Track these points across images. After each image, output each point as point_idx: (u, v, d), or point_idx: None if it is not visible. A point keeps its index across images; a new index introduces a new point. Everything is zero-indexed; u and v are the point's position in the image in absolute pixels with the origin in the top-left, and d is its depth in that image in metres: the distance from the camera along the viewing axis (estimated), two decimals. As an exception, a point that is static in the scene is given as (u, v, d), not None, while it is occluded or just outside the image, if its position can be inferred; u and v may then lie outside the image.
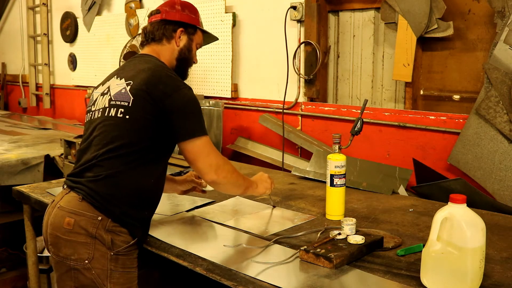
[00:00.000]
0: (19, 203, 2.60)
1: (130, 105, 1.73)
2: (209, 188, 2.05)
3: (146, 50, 1.94)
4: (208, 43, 2.13)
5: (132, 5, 4.47)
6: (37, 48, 5.83)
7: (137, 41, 3.71)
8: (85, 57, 5.12)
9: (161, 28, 1.92)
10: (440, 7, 2.61)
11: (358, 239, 1.66)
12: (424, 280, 1.45)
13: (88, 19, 4.96)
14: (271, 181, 2.07)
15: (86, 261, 1.67)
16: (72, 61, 5.30)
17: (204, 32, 2.04)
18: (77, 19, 5.14)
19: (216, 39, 2.11)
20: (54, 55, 5.65)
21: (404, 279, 1.49)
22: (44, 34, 5.55)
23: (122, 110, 1.74)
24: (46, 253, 3.11)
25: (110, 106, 1.78)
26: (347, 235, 1.69)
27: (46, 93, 5.62)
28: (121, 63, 3.66)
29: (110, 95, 1.82)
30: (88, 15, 4.94)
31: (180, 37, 1.93)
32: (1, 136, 4.06)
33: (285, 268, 1.59)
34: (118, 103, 1.76)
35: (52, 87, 5.69)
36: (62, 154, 3.20)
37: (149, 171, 1.76)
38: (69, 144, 3.08)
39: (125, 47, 3.65)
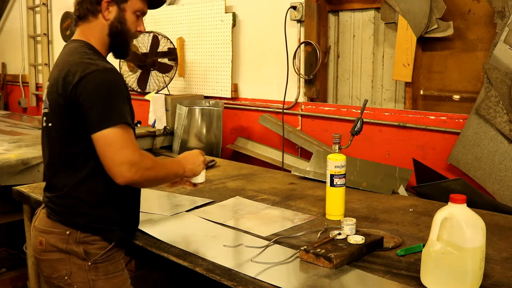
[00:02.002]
0: (19, 203, 2.60)
1: (49, 111, 1.62)
2: (199, 180, 1.89)
3: (75, 34, 1.71)
4: (157, 7, 1.80)
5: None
6: (37, 48, 5.83)
7: (137, 41, 3.71)
8: (85, 57, 5.12)
9: (83, 2, 1.64)
10: (440, 7, 2.61)
11: (358, 239, 1.66)
12: (424, 280, 1.45)
13: (88, 19, 4.95)
14: (201, 155, 1.82)
15: (66, 277, 1.62)
16: (72, 61, 5.29)
17: None
18: (77, 19, 5.14)
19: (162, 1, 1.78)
20: (54, 55, 5.65)
21: (404, 279, 1.49)
22: (44, 34, 5.55)
23: (45, 118, 1.65)
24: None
25: (42, 115, 1.68)
26: (347, 235, 1.69)
27: (46, 93, 5.61)
28: (121, 63, 3.67)
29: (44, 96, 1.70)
30: (88, 15, 4.94)
31: (108, 8, 1.63)
32: (1, 136, 4.06)
33: (285, 268, 1.59)
34: (45, 110, 1.66)
35: (52, 87, 5.69)
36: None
37: (101, 170, 1.54)
38: (69, 144, 3.08)
39: (125, 47, 3.65)
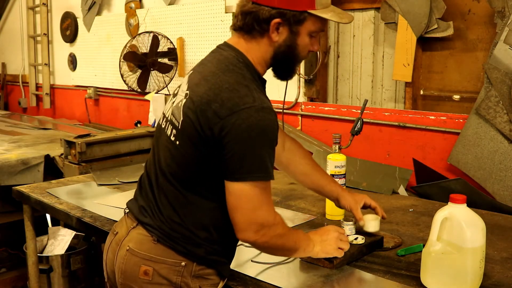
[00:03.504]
0: (19, 203, 2.60)
1: (179, 127, 1.37)
2: (370, 229, 1.69)
3: (233, 38, 1.45)
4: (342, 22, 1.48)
5: (132, 5, 4.47)
6: (37, 48, 5.83)
7: (137, 41, 3.71)
8: (85, 57, 5.12)
9: (250, 15, 1.37)
10: (440, 7, 2.61)
11: (358, 239, 1.66)
12: (424, 280, 1.45)
13: (88, 19, 4.95)
14: (336, 231, 1.56)
15: None
16: (72, 61, 5.29)
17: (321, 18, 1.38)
18: (77, 19, 5.14)
19: (350, 18, 1.45)
20: (54, 55, 5.65)
21: (404, 279, 1.49)
22: (44, 34, 5.55)
23: (175, 132, 1.38)
24: (46, 253, 3.11)
25: (168, 121, 1.43)
26: (347, 235, 1.69)
27: (46, 93, 5.62)
28: (121, 63, 3.67)
29: (174, 102, 1.43)
30: (88, 15, 4.94)
31: (277, 29, 1.37)
32: (1, 136, 4.06)
33: (285, 268, 1.59)
34: (174, 120, 1.40)
35: (52, 87, 5.69)
36: (62, 154, 3.19)
37: (218, 195, 1.35)
38: (69, 144, 3.08)
39: (125, 47, 3.65)
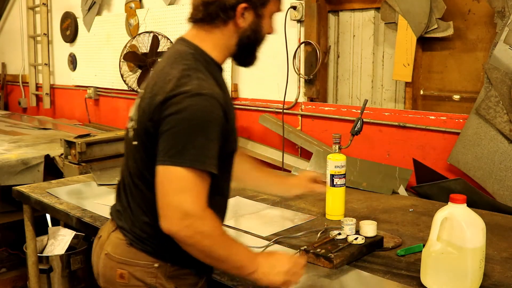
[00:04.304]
0: (19, 203, 2.60)
1: (136, 127, 1.38)
2: (368, 234, 1.68)
3: (188, 33, 1.44)
4: None
5: (132, 5, 4.47)
6: (37, 48, 5.83)
7: (137, 41, 3.71)
8: (85, 57, 5.12)
9: (213, 4, 1.35)
10: (440, 7, 2.61)
11: (358, 239, 1.66)
12: (424, 280, 1.45)
13: (88, 19, 4.96)
14: (291, 262, 1.38)
15: None
16: (72, 61, 5.30)
17: None
18: (77, 19, 5.14)
19: None
20: (54, 55, 5.65)
21: (404, 279, 1.49)
22: (44, 34, 5.55)
23: (133, 133, 1.40)
24: (46, 253, 3.11)
25: (130, 122, 1.44)
26: (347, 235, 1.69)
27: (46, 93, 5.62)
28: (121, 63, 3.67)
29: (135, 104, 1.45)
30: (88, 15, 4.94)
31: (243, 15, 1.37)
32: (1, 136, 4.06)
33: (285, 268, 1.59)
34: (132, 121, 1.42)
35: (52, 87, 5.69)
36: (62, 154, 3.20)
37: None
38: (69, 144, 3.08)
39: (125, 47, 3.65)
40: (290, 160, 3.26)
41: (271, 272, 1.33)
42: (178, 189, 1.22)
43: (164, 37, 3.77)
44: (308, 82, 3.26)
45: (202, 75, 1.31)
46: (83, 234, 3.21)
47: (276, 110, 3.42)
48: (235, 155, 1.45)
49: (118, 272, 1.39)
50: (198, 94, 1.25)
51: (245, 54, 1.47)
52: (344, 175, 2.03)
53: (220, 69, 1.45)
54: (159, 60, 1.46)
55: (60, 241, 3.18)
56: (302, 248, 1.63)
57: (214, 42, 1.40)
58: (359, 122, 2.10)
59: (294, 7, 3.23)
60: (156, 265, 1.37)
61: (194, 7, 1.40)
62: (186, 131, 1.23)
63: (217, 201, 1.41)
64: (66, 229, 3.24)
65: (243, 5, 1.35)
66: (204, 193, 1.26)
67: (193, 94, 1.24)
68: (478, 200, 2.27)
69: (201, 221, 1.23)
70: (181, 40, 1.43)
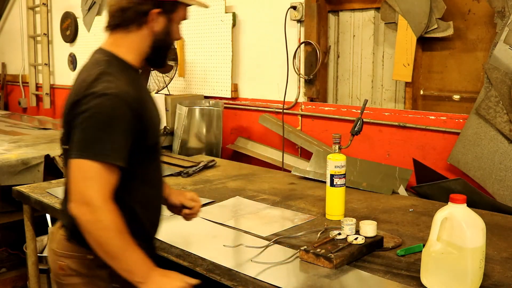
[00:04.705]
0: (19, 203, 2.60)
1: (63, 131, 1.50)
2: (367, 234, 1.71)
3: (105, 42, 1.55)
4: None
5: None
6: (37, 48, 5.83)
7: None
8: (85, 57, 5.09)
9: (129, 10, 1.46)
10: (440, 7, 2.61)
11: (358, 239, 1.66)
12: (424, 280, 1.45)
13: (88, 19, 4.96)
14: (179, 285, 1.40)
15: None
16: (72, 61, 5.30)
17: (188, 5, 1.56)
18: (77, 19, 5.14)
19: (205, 6, 1.66)
20: (54, 55, 5.65)
21: (404, 279, 1.49)
22: (44, 34, 5.55)
23: (64, 137, 1.50)
24: (46, 253, 3.11)
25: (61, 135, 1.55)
26: (347, 235, 1.69)
27: (46, 93, 5.62)
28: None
29: None
30: (88, 15, 4.94)
31: (156, 19, 1.49)
32: (1, 136, 4.06)
33: (285, 268, 1.59)
34: (62, 128, 1.52)
35: (52, 87, 5.69)
36: (62, 154, 3.19)
37: (117, 194, 1.41)
38: (69, 144, 3.08)
39: (125, 47, 3.65)
40: (290, 160, 3.26)
41: (163, 283, 1.37)
42: (83, 178, 1.34)
43: (164, 37, 3.76)
44: (308, 82, 3.26)
45: (112, 78, 1.41)
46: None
47: (276, 110, 3.42)
48: (158, 147, 1.56)
49: (59, 265, 1.52)
50: (104, 94, 1.36)
51: (157, 56, 1.57)
52: (344, 175, 2.03)
53: (136, 71, 1.55)
54: (79, 71, 1.56)
55: (60, 241, 3.18)
56: (302, 248, 1.63)
57: (130, 46, 1.51)
58: (359, 122, 2.10)
59: (294, 7, 3.23)
60: (89, 256, 1.46)
61: (110, 15, 1.51)
62: (91, 127, 1.35)
63: (146, 191, 1.52)
64: (66, 229, 3.23)
65: (156, 10, 1.47)
66: (109, 185, 1.36)
67: (99, 94, 1.36)
68: (478, 200, 2.27)
69: (101, 212, 1.32)
70: (99, 49, 1.55)
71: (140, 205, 1.49)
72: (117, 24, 1.49)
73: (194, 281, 1.43)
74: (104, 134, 1.35)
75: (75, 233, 1.44)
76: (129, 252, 1.35)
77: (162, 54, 1.59)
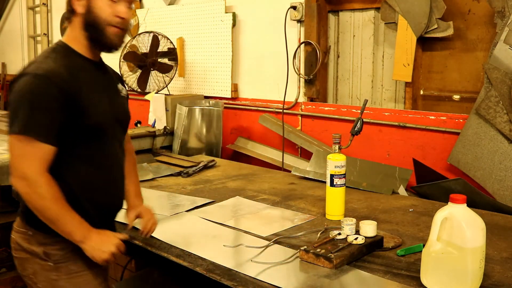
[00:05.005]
0: (19, 203, 2.60)
1: None
2: (367, 234, 1.71)
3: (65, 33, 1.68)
4: None
5: (132, 5, 4.47)
6: (37, 48, 5.83)
7: (137, 41, 3.71)
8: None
9: (66, 4, 1.62)
10: (440, 7, 2.61)
11: (358, 239, 1.66)
12: (424, 280, 1.45)
13: (88, 19, 4.96)
14: (113, 245, 1.56)
15: (32, 276, 1.61)
16: (72, 61, 5.30)
17: None
18: (77, 19, 5.14)
19: None
20: (54, 55, 5.65)
21: (404, 279, 1.49)
22: (44, 34, 5.55)
23: None
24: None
25: None
26: (347, 235, 1.69)
27: (46, 93, 5.62)
28: (121, 63, 3.67)
29: None
30: (88, 15, 4.94)
31: (78, 1, 1.56)
32: (1, 136, 4.05)
33: (285, 268, 1.59)
34: None
35: (52, 87, 5.69)
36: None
37: (57, 171, 1.51)
38: (69, 144, 3.08)
39: (125, 47, 3.65)
40: (290, 160, 3.26)
41: (98, 248, 1.53)
42: (17, 154, 1.46)
43: (164, 37, 3.77)
44: (308, 82, 3.26)
45: (48, 60, 1.53)
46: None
47: (276, 110, 3.42)
48: (102, 128, 1.59)
49: (11, 239, 1.66)
50: (31, 74, 1.47)
51: (95, 37, 1.59)
52: (344, 175, 2.03)
53: (85, 59, 1.61)
54: None
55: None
56: (302, 248, 1.63)
57: (72, 35, 1.61)
58: (359, 122, 2.10)
59: (294, 7, 3.23)
60: (30, 232, 1.59)
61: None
62: (18, 104, 1.46)
63: (89, 172, 1.58)
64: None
65: None
66: (41, 160, 1.46)
67: (26, 74, 1.48)
68: (478, 200, 2.27)
69: (36, 184, 1.45)
70: (58, 41, 1.65)
71: (78, 184, 1.56)
72: (66, 18, 1.64)
73: (123, 236, 1.62)
74: (28, 111, 1.44)
75: (23, 211, 1.59)
76: (66, 216, 1.50)
77: (99, 33, 1.58)
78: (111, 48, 1.63)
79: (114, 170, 1.68)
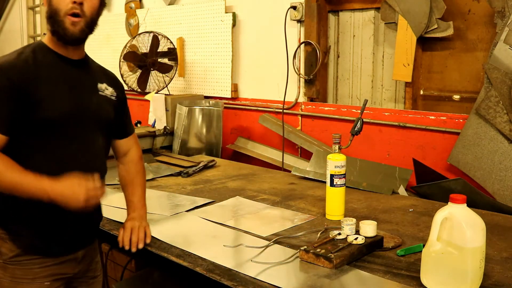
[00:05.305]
0: None
1: None
2: (367, 234, 1.71)
3: None
4: None
5: (132, 5, 4.47)
6: (37, 48, 5.83)
7: (137, 41, 3.71)
8: (85, 57, 5.12)
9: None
10: (440, 7, 2.61)
11: (358, 239, 1.66)
12: (424, 280, 1.45)
13: (88, 19, 4.95)
14: (82, 186, 1.52)
15: None
16: (72, 61, 5.29)
17: None
18: (77, 19, 5.14)
19: None
20: (54, 55, 5.65)
21: (404, 279, 1.49)
22: (44, 34, 5.54)
23: None
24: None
25: None
26: (347, 235, 1.69)
27: (46, 93, 5.62)
28: (121, 63, 3.67)
29: None
30: (88, 15, 4.94)
31: (43, 2, 1.60)
32: (1, 136, 4.05)
33: (285, 268, 1.59)
34: None
35: (52, 87, 5.69)
36: None
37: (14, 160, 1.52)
38: (69, 144, 3.08)
39: (125, 47, 3.65)
40: (290, 160, 3.26)
41: (69, 196, 1.49)
42: None
43: (164, 37, 3.77)
44: (308, 82, 3.26)
45: (13, 54, 1.56)
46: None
47: (276, 110, 3.42)
48: (58, 123, 1.57)
49: None
50: None
51: (55, 29, 1.58)
52: (344, 175, 2.03)
53: (54, 54, 1.62)
54: None
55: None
56: (302, 248, 1.63)
57: (48, 33, 1.61)
58: (359, 122, 2.10)
59: (294, 7, 3.23)
60: None
61: None
62: None
63: (48, 166, 1.56)
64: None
65: None
66: None
67: None
68: (478, 200, 2.27)
69: None
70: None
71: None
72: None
73: (93, 178, 1.54)
74: None
75: None
76: (24, 179, 1.49)
77: (56, 24, 1.57)
78: (69, 39, 1.59)
79: (70, 167, 1.59)
